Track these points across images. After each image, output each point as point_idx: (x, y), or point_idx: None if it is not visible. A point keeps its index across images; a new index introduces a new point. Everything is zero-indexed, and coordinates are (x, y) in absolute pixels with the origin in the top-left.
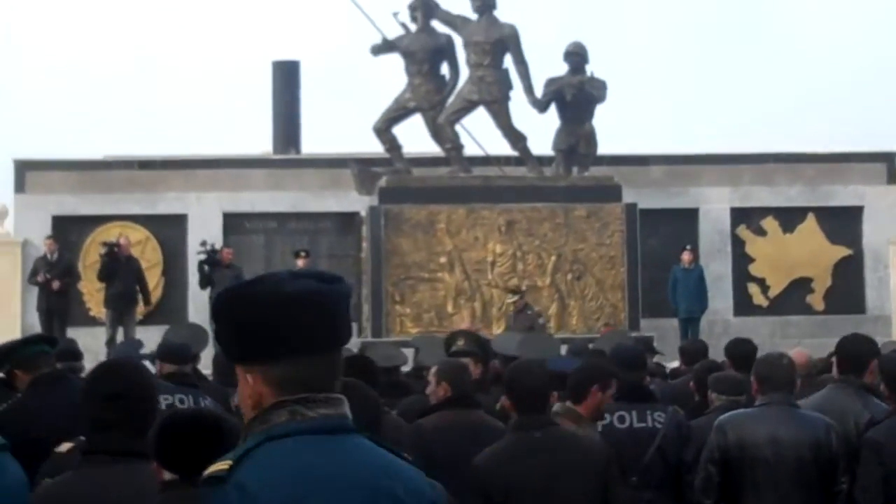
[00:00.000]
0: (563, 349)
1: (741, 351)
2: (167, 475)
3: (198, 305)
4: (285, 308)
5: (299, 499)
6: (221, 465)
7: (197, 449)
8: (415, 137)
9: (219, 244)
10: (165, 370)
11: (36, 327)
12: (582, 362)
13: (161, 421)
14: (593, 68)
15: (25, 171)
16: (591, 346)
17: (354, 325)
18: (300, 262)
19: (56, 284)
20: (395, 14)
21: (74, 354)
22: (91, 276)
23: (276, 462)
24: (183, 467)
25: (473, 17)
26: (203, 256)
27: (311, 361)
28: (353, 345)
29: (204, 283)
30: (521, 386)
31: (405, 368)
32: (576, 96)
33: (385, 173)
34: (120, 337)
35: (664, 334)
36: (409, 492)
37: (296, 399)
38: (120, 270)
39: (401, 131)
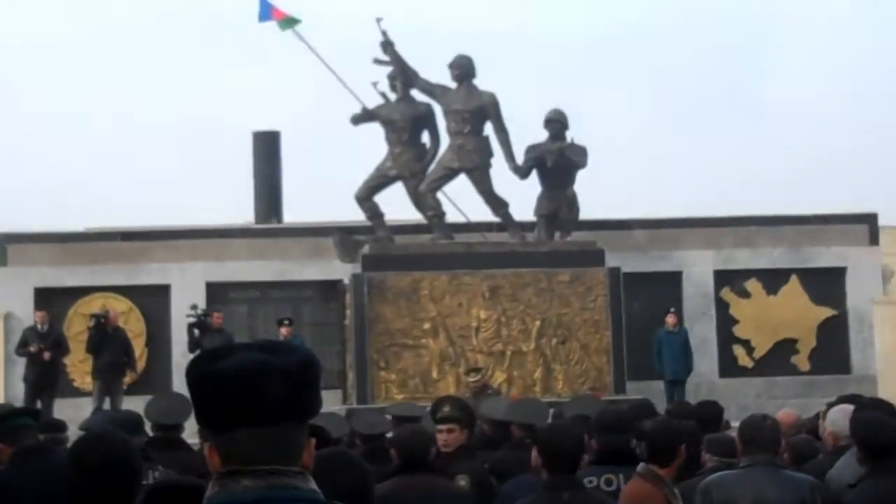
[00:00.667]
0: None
1: (708, 413)
2: None
3: (182, 375)
4: (216, 384)
5: None
6: None
7: None
8: (396, 205)
9: (204, 308)
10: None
11: (20, 399)
12: (658, 422)
13: (145, 490)
14: (573, 134)
15: (7, 244)
16: (557, 412)
17: (339, 393)
18: (283, 331)
19: (47, 355)
20: (375, 84)
21: (58, 426)
22: (75, 348)
23: None
24: None
25: (453, 85)
26: (193, 320)
27: (245, 435)
28: (340, 411)
29: (193, 346)
30: (553, 447)
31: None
32: (557, 162)
33: (367, 241)
34: (107, 407)
35: (650, 397)
36: None
37: (227, 471)
38: (107, 342)
39: (382, 199)
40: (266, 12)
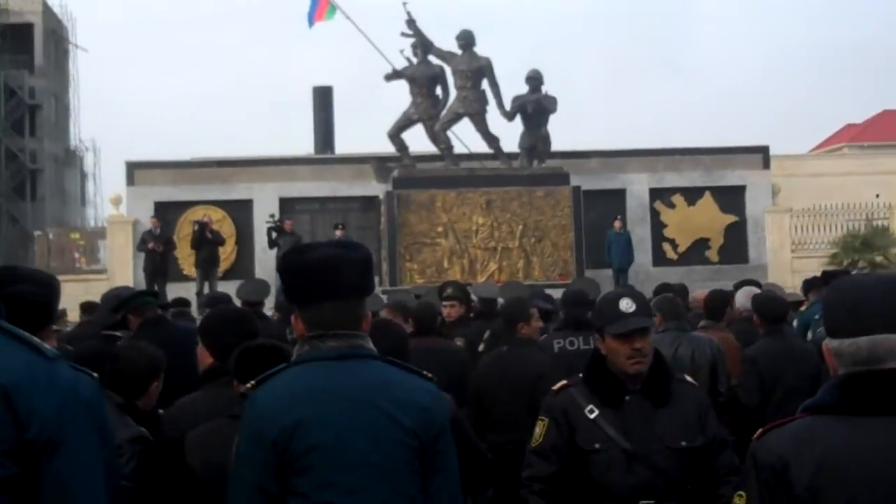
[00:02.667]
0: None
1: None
2: (242, 388)
3: (262, 266)
4: (306, 270)
5: (285, 405)
6: (249, 385)
7: (262, 369)
8: (418, 141)
9: (280, 217)
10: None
11: (142, 284)
12: (714, 292)
13: (238, 349)
14: (547, 88)
15: (134, 169)
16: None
17: (376, 278)
18: (338, 233)
19: (160, 248)
20: (402, 51)
21: (186, 302)
22: (184, 245)
23: (281, 381)
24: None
25: (458, 52)
26: (272, 225)
27: (327, 307)
28: (377, 292)
29: (271, 245)
30: (505, 316)
31: None
32: (535, 109)
33: (397, 167)
34: (206, 289)
35: (602, 282)
36: (394, 401)
37: (315, 335)
38: (206, 241)
39: (408, 136)
40: (311, 19)
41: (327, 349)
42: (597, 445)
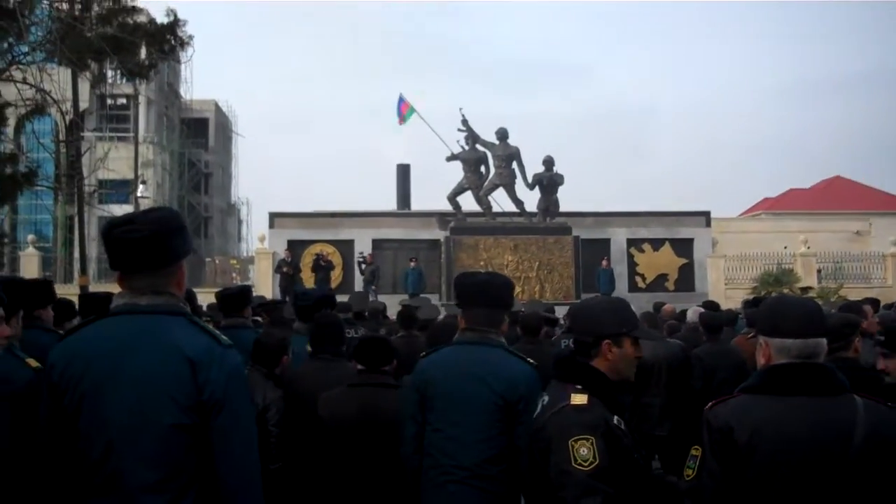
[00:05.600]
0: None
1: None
2: (359, 366)
3: (357, 284)
4: (468, 288)
5: (428, 368)
6: (422, 355)
7: (367, 354)
8: (468, 203)
9: (366, 253)
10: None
11: (278, 295)
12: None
13: (358, 339)
14: (557, 167)
15: (274, 217)
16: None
17: (437, 295)
18: (412, 264)
19: (291, 271)
20: (458, 141)
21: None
22: (307, 270)
23: (434, 355)
24: (369, 364)
25: (496, 142)
26: (360, 259)
27: (475, 311)
28: (438, 304)
29: (361, 272)
30: (525, 322)
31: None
32: (548, 182)
33: (453, 220)
34: None
35: None
36: (491, 373)
37: (464, 328)
38: (321, 267)
39: (461, 199)
40: (398, 114)
41: (465, 338)
42: (636, 455)
